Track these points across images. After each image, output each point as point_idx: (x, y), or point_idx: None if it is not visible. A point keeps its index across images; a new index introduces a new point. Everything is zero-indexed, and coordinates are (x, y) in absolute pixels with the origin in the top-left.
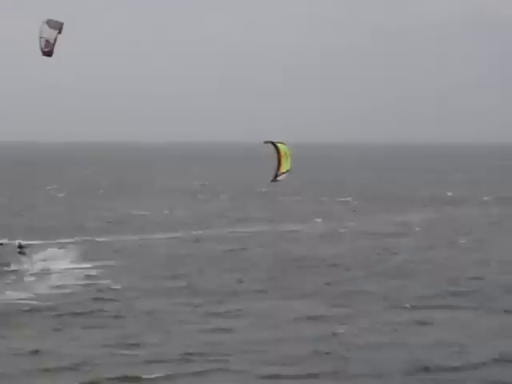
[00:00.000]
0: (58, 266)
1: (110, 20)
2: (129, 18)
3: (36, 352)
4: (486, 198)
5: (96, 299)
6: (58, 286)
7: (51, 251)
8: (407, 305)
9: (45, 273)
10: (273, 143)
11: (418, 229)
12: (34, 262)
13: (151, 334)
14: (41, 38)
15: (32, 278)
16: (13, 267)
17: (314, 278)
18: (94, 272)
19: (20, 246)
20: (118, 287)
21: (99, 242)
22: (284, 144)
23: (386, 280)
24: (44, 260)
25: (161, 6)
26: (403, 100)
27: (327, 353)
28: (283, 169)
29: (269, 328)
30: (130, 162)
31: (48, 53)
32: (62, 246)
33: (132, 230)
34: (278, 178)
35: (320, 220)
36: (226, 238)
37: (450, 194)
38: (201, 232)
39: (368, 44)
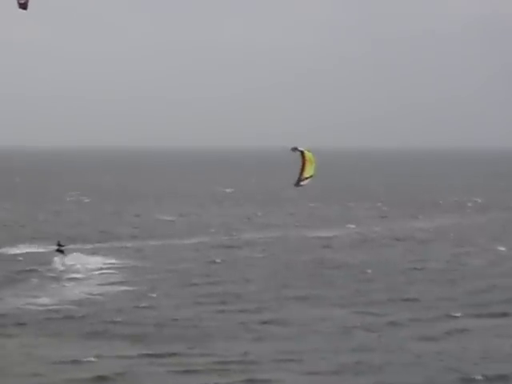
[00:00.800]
0: (91, 271)
1: (130, 27)
2: (149, 24)
3: (75, 362)
4: None
5: (135, 307)
6: (92, 293)
7: (85, 257)
8: (451, 313)
9: (80, 278)
10: (298, 149)
11: (451, 235)
12: (70, 267)
13: (193, 343)
14: None
15: (68, 284)
16: (50, 273)
17: (354, 284)
18: (127, 278)
19: (59, 245)
20: (154, 295)
21: (130, 247)
22: (309, 151)
23: (427, 287)
24: (79, 265)
25: (178, 9)
26: (414, 106)
27: (368, 363)
28: (307, 174)
29: (310, 336)
30: (151, 167)
31: (23, 5)
32: (95, 251)
33: (161, 236)
34: (302, 183)
35: (352, 226)
36: (257, 244)
37: (477, 200)
38: (230, 238)
39: (380, 50)
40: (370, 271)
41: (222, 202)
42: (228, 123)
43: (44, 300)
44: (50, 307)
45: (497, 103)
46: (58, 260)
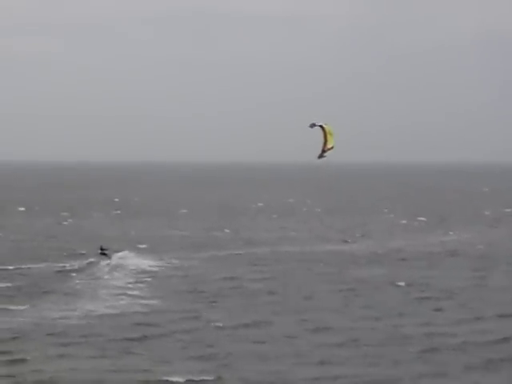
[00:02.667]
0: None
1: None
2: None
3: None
4: None
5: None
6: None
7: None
8: None
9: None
10: (318, 125)
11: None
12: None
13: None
14: None
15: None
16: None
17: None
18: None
19: (102, 249)
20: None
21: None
22: (327, 124)
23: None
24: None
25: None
26: (431, 119)
27: None
28: (329, 145)
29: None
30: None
31: None
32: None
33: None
34: (325, 154)
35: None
36: (322, 258)
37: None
38: (282, 249)
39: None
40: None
41: (255, 215)
42: (251, 138)
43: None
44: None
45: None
46: (104, 256)
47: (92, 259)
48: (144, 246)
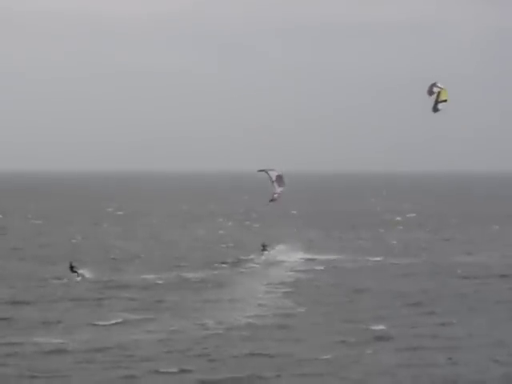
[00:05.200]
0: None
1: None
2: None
3: None
4: None
5: None
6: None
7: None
8: None
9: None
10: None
11: None
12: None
13: None
14: None
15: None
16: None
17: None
18: None
19: (263, 245)
20: None
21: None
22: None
23: None
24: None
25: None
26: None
27: None
28: (443, 97)
29: None
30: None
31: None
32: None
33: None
34: (439, 107)
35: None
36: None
37: None
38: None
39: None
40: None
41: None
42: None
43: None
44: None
45: None
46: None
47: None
48: None
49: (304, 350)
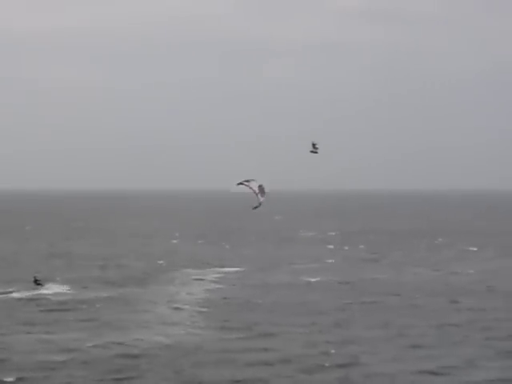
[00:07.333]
0: None
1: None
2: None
3: None
4: None
5: None
6: None
7: None
8: None
9: None
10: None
11: None
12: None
13: None
14: None
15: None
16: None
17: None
18: None
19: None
20: None
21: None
22: None
23: None
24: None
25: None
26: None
27: None
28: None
29: None
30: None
31: None
32: None
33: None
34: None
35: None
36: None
37: None
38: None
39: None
40: None
41: (327, 243)
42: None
43: None
44: None
45: None
46: None
47: None
48: None
49: None
